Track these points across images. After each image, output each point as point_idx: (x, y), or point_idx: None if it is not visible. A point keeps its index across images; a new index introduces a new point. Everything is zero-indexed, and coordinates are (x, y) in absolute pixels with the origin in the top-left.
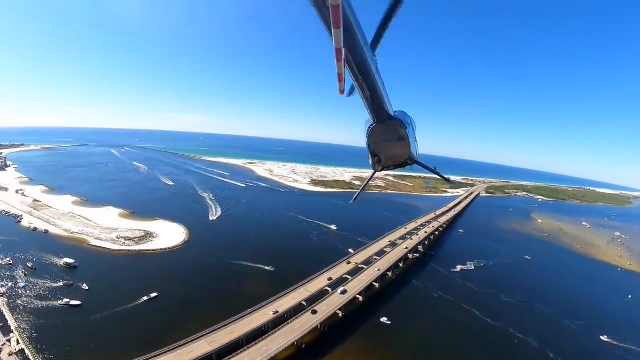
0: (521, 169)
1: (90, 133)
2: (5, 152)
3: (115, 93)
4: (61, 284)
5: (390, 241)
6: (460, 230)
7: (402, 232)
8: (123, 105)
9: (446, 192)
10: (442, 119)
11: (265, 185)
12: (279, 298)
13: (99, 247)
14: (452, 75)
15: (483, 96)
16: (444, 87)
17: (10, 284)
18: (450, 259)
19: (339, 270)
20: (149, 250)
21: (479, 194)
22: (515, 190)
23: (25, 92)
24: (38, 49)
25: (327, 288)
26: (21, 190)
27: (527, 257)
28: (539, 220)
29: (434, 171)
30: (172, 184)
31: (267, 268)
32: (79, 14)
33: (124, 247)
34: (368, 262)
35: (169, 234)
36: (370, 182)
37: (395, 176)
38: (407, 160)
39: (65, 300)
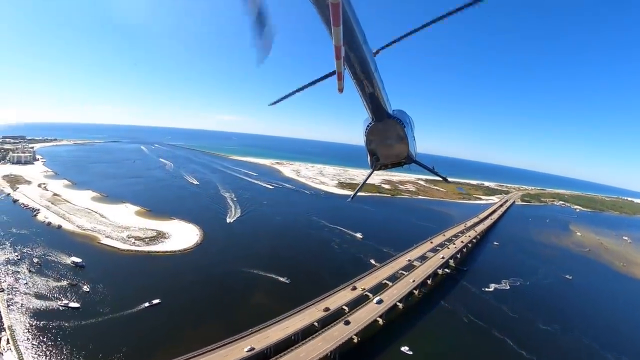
0: (554, 176)
1: (125, 130)
2: (37, 146)
3: (154, 92)
4: (65, 283)
5: (419, 254)
6: (495, 243)
7: (432, 243)
8: (159, 104)
9: (480, 199)
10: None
11: (290, 186)
12: (289, 316)
13: (109, 245)
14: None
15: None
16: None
17: (12, 280)
18: (484, 276)
19: (360, 285)
20: (158, 252)
21: (514, 202)
22: (551, 199)
23: (65, 90)
24: (82, 50)
25: (344, 307)
26: (44, 184)
27: (567, 276)
28: (578, 233)
29: (432, 170)
30: (195, 182)
31: (281, 279)
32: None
33: (133, 247)
34: (393, 278)
35: (181, 235)
36: (368, 181)
37: (427, 180)
38: (405, 159)
39: (65, 301)
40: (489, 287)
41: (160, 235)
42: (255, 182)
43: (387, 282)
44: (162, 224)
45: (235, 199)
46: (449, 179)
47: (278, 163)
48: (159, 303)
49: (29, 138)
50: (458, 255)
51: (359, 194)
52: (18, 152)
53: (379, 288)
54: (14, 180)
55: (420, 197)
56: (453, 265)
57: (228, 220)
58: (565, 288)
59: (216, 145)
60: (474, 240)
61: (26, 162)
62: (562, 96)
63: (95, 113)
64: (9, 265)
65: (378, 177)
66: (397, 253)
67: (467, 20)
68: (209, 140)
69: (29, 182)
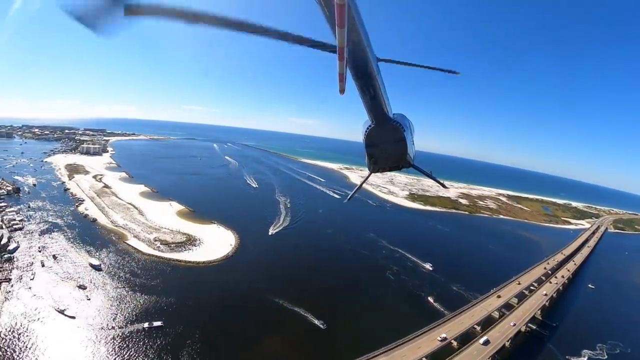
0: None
1: (205, 129)
2: (113, 139)
3: (240, 96)
4: (72, 284)
5: (497, 303)
6: (590, 285)
7: (519, 284)
8: (242, 106)
9: (568, 222)
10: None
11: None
12: None
13: (133, 246)
14: None
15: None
16: None
17: (22, 271)
18: (575, 337)
19: (419, 349)
20: (180, 260)
21: (606, 228)
22: None
23: (167, 92)
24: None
25: None
26: (100, 175)
27: None
28: None
29: (429, 175)
30: (253, 184)
31: (314, 321)
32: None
33: (155, 252)
34: (465, 338)
35: (213, 244)
36: (366, 182)
37: (509, 197)
38: (404, 163)
39: (62, 307)
40: (581, 356)
41: (189, 241)
42: (317, 187)
43: (453, 342)
44: (197, 228)
45: (289, 205)
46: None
47: (347, 168)
48: (160, 326)
49: (109, 131)
50: (546, 303)
51: (431, 209)
52: (88, 144)
53: (439, 354)
54: (74, 170)
55: (502, 216)
56: (539, 318)
57: (271, 231)
58: None
59: (287, 147)
60: (566, 282)
61: (94, 153)
62: None
63: (185, 113)
64: (28, 254)
65: (455, 191)
66: (471, 295)
67: None
68: (281, 142)
69: (87, 173)
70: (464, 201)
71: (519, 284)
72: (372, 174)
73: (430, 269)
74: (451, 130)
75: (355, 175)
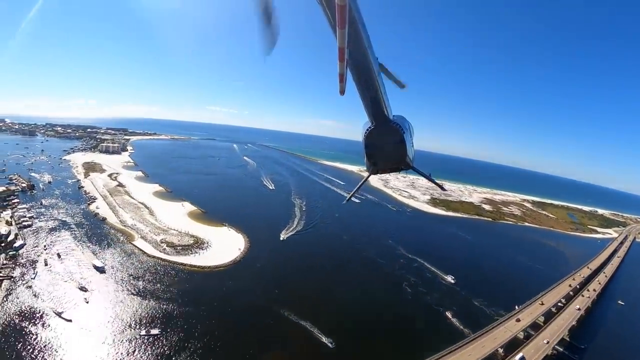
0: None
1: (227, 129)
2: (134, 138)
3: (262, 99)
4: (73, 285)
5: (524, 323)
6: (620, 302)
7: (542, 304)
8: (264, 108)
9: (595, 231)
10: None
11: (372, 197)
12: None
13: (139, 248)
14: None
15: None
16: None
17: (25, 269)
18: None
19: None
20: (184, 264)
21: (634, 238)
22: None
23: (181, 92)
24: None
25: None
26: (116, 173)
27: None
28: None
29: (428, 177)
30: (270, 185)
31: (322, 338)
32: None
33: (160, 254)
34: None
35: (221, 247)
36: (365, 183)
37: (534, 203)
38: (403, 165)
39: (59, 309)
40: None
41: (196, 244)
42: (334, 189)
43: None
44: (207, 230)
45: (304, 208)
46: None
47: (365, 171)
48: (157, 334)
49: (130, 131)
50: (574, 322)
51: (453, 214)
52: (108, 142)
53: None
54: (91, 168)
55: (526, 224)
56: (567, 339)
57: (282, 236)
58: None
59: (306, 148)
60: (595, 298)
61: (113, 152)
62: None
63: (208, 113)
64: (33, 252)
65: (478, 196)
66: (494, 311)
67: None
68: (300, 143)
69: (103, 171)
70: (487, 207)
71: (541, 304)
72: (372, 175)
73: (452, 281)
74: (475, 133)
75: (374, 178)
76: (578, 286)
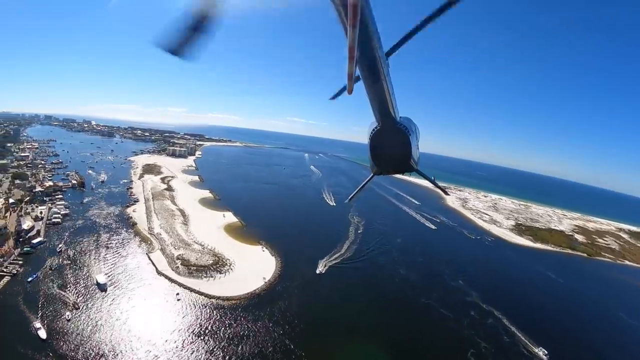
0: None
1: (304, 140)
2: (207, 144)
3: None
4: (67, 300)
5: None
6: None
7: None
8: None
9: None
10: None
11: (447, 221)
12: None
13: (153, 262)
14: None
15: None
16: None
17: (26, 273)
18: None
19: None
20: (192, 289)
21: None
22: None
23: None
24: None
25: None
26: (170, 177)
27: None
28: None
29: (431, 181)
30: (329, 198)
31: None
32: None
33: (169, 273)
34: None
35: (243, 273)
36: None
37: (631, 234)
38: (407, 168)
39: (37, 326)
40: None
41: (215, 266)
42: (403, 208)
43: None
44: (237, 249)
45: (360, 231)
46: None
47: (445, 187)
48: None
49: (207, 137)
50: None
51: (542, 247)
52: (176, 146)
53: None
54: (149, 170)
55: (626, 261)
56: None
57: (319, 268)
58: None
59: None
60: None
61: (179, 155)
62: None
63: (288, 124)
64: (47, 253)
65: (569, 223)
66: None
67: None
68: None
69: (159, 173)
70: (580, 237)
71: None
72: (375, 175)
73: (544, 358)
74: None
75: (452, 196)
76: None
